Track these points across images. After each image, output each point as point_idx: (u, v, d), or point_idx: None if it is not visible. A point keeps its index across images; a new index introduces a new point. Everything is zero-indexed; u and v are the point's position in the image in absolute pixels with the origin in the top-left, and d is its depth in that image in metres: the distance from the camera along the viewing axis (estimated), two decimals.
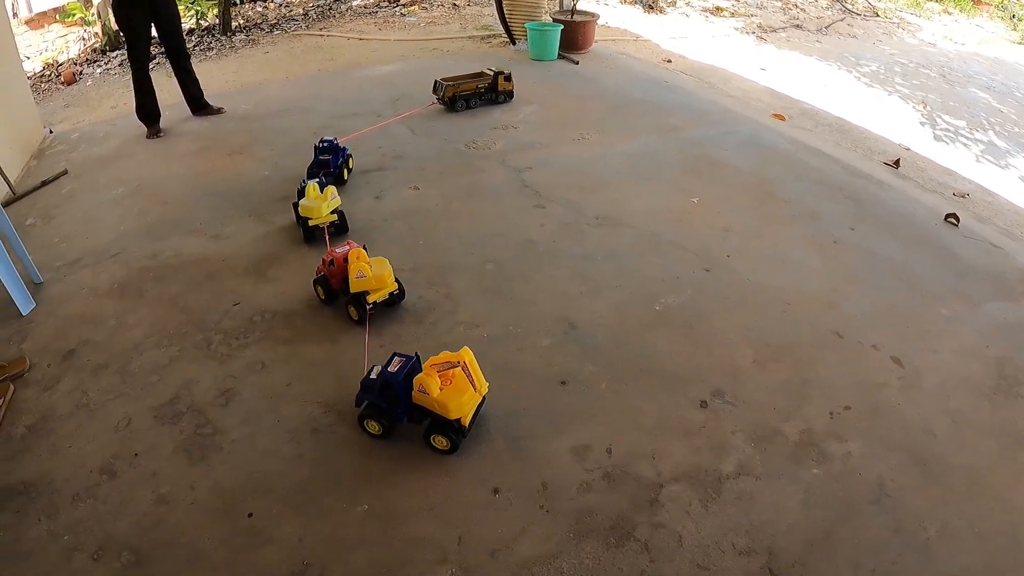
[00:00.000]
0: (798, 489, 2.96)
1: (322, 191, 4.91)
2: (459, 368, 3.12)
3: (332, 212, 4.93)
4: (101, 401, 3.51)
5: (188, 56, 7.41)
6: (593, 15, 9.97)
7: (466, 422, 3.13)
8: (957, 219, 5.30)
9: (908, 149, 7.62)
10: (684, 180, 5.74)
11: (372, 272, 3.95)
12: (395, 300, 4.05)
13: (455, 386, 3.12)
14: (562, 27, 9.42)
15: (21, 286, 4.31)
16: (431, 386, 3.06)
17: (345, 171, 5.80)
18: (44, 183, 6.23)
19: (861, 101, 9.28)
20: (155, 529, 2.84)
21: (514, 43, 10.09)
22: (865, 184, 5.80)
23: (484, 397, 3.28)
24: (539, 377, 3.59)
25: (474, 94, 7.41)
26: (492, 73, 7.44)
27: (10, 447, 3.28)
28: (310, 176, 5.41)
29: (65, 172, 6.43)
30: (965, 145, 8.19)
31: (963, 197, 6.41)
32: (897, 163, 6.69)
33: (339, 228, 4.98)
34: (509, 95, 7.57)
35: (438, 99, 7.42)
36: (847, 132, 7.80)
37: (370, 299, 3.96)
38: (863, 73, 10.63)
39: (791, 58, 11.12)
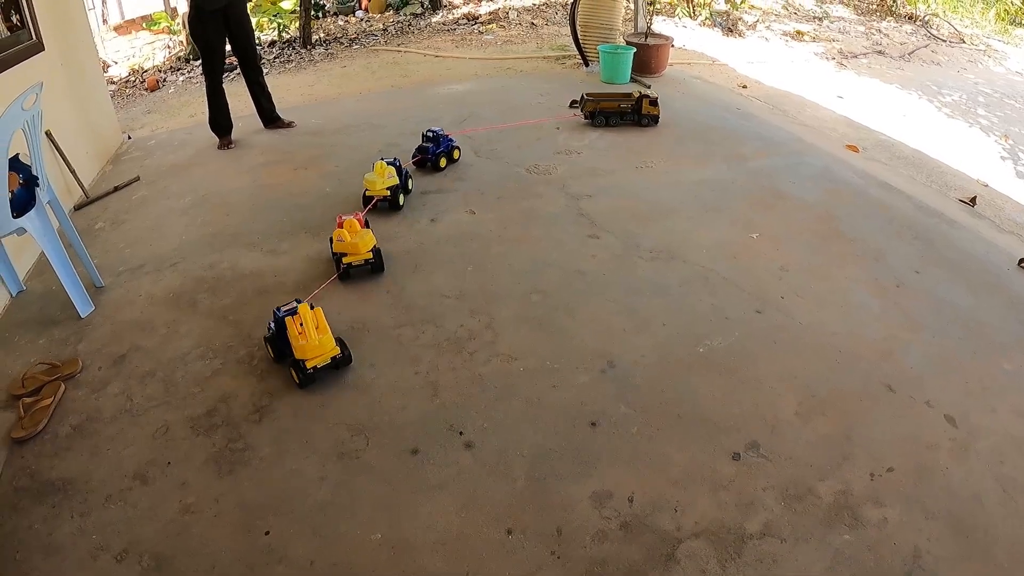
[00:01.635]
0: (825, 556, 2.81)
1: (399, 171, 5.70)
2: (312, 315, 3.79)
3: (387, 188, 5.52)
4: (144, 408, 3.59)
5: (261, 70, 7.50)
6: (667, 38, 9.85)
7: (310, 365, 3.63)
8: None
9: (986, 185, 7.36)
10: (747, 213, 5.60)
11: (349, 239, 4.57)
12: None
13: (305, 334, 3.66)
14: (635, 50, 9.34)
15: (81, 289, 4.42)
16: (291, 329, 3.72)
17: (443, 160, 6.41)
18: (116, 188, 6.38)
19: (940, 133, 9.01)
20: (178, 537, 2.89)
21: (587, 65, 10.01)
22: (936, 223, 5.59)
23: (342, 356, 3.79)
24: (570, 416, 3.51)
25: (616, 112, 7.41)
26: (638, 95, 7.39)
27: (55, 444, 3.39)
28: (413, 157, 6.34)
29: (137, 179, 6.59)
30: None
31: None
32: (973, 201, 6.45)
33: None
34: (654, 119, 7.47)
35: (580, 110, 7.53)
36: (923, 166, 7.57)
37: (344, 260, 4.65)
38: (944, 103, 10.34)
39: (871, 86, 10.88)
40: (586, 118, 7.47)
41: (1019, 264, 5.09)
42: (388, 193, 5.52)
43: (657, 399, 3.64)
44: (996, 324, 4.37)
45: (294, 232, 5.30)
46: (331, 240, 4.78)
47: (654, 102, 7.34)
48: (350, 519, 2.98)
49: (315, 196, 5.98)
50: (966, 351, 4.10)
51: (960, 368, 3.95)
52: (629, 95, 7.45)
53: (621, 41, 9.93)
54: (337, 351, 3.80)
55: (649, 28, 9.87)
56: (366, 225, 4.93)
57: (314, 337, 3.72)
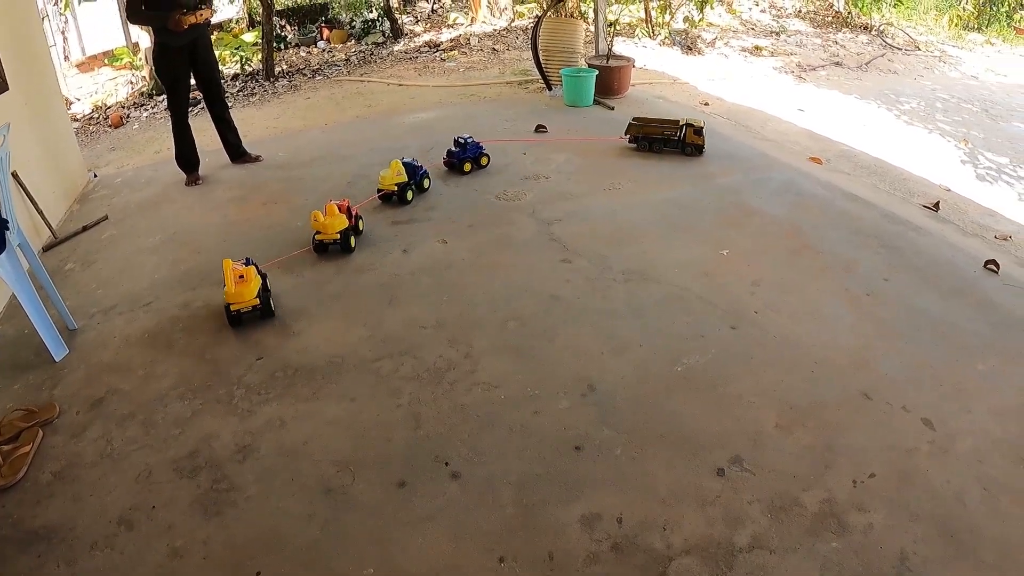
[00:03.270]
0: (814, 564, 2.84)
1: (410, 173, 6.35)
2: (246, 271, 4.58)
3: (395, 184, 6.24)
4: (125, 451, 3.54)
5: (226, 105, 7.51)
6: (628, 59, 9.93)
7: (233, 309, 4.52)
8: (997, 266, 5.14)
9: (948, 190, 7.46)
10: (716, 230, 5.65)
11: (323, 220, 5.33)
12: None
13: (240, 283, 4.48)
14: (597, 72, 9.40)
15: (54, 332, 4.37)
16: (226, 278, 4.51)
17: (468, 164, 6.97)
18: (84, 228, 6.34)
19: (901, 140, 9.16)
20: None
21: (550, 89, 10.07)
22: (902, 231, 5.66)
23: (262, 308, 4.62)
24: (554, 441, 3.51)
25: (659, 139, 7.31)
26: (683, 124, 7.23)
27: (36, 492, 3.33)
28: (444, 159, 7.02)
29: (105, 218, 6.55)
30: (1008, 183, 8.02)
31: (1006, 240, 6.23)
32: (937, 206, 6.53)
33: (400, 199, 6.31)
34: (698, 149, 7.21)
35: (624, 134, 7.52)
36: (886, 174, 7.67)
37: (316, 237, 5.43)
38: (903, 111, 10.51)
39: (830, 97, 11.03)
40: (630, 142, 7.43)
41: (985, 266, 5.16)
42: (395, 188, 6.20)
43: (639, 420, 3.66)
44: (967, 327, 4.43)
45: (266, 269, 5.23)
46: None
47: (699, 131, 7.12)
48: (341, 555, 2.97)
49: (285, 230, 5.97)
50: (939, 355, 4.16)
51: (934, 372, 4.01)
52: (675, 122, 7.27)
53: (583, 64, 10.01)
54: (256, 302, 4.55)
55: (610, 50, 9.93)
56: (354, 216, 5.68)
57: (231, 287, 4.47)
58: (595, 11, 10.12)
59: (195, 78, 7.16)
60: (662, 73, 12.05)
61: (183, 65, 6.91)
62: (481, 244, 5.56)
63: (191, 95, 7.27)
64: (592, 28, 10.56)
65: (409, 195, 6.26)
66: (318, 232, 5.40)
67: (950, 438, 3.52)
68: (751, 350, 4.20)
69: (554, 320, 4.55)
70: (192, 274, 5.34)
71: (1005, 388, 3.90)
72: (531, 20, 10.33)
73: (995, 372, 4.03)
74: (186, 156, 7.27)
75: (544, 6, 10.91)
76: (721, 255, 5.27)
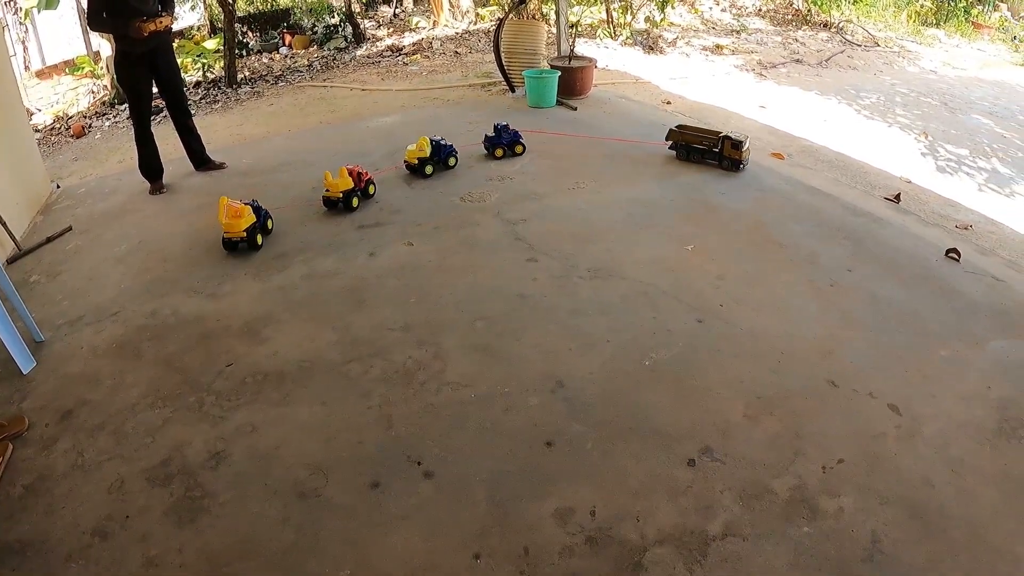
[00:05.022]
0: (787, 549, 2.87)
1: (435, 150, 6.99)
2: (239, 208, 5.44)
3: (416, 159, 6.87)
4: (96, 462, 3.49)
5: (190, 113, 7.44)
6: (591, 60, 9.95)
7: (225, 236, 5.50)
8: (958, 254, 5.21)
9: (909, 182, 7.54)
10: (680, 227, 5.68)
11: (331, 181, 6.08)
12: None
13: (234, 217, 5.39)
14: (559, 73, 9.42)
15: (21, 345, 4.31)
16: (219, 211, 5.47)
17: (499, 151, 7.43)
18: (49, 239, 6.23)
19: (861, 135, 9.26)
20: None
21: (513, 91, 10.09)
22: (864, 222, 5.72)
23: (249, 240, 5.51)
24: (525, 438, 3.52)
25: (698, 148, 7.04)
26: (721, 136, 6.89)
27: (8, 507, 3.27)
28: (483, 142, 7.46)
29: (69, 228, 6.44)
30: (968, 174, 8.13)
31: (966, 229, 6.33)
32: (898, 197, 6.61)
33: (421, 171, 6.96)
34: (734, 164, 6.81)
35: (665, 138, 7.32)
36: (847, 168, 7.74)
37: (325, 195, 6.20)
38: (863, 105, 10.61)
39: (791, 94, 11.12)
40: (670, 148, 7.23)
41: (946, 255, 5.22)
42: (416, 162, 6.84)
43: (609, 414, 3.67)
44: (930, 314, 4.49)
45: (233, 275, 5.25)
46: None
47: (737, 145, 6.74)
48: (317, 558, 2.96)
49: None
50: (903, 343, 4.21)
51: (899, 359, 4.06)
52: (715, 133, 6.96)
53: (545, 65, 10.03)
54: (244, 235, 5.46)
55: (572, 51, 9.94)
56: (364, 181, 6.40)
57: (222, 218, 5.43)
58: (557, 12, 10.15)
59: (157, 86, 7.07)
60: (624, 73, 12.11)
61: (144, 73, 6.83)
62: (447, 246, 5.54)
63: (153, 103, 7.20)
64: (554, 30, 10.57)
65: (428, 169, 6.92)
66: (327, 190, 6.11)
67: (916, 422, 3.57)
68: (717, 343, 4.23)
69: (521, 319, 4.55)
70: (159, 283, 5.27)
71: (968, 372, 3.96)
72: (493, 23, 10.35)
73: (958, 357, 4.09)
74: (149, 165, 7.18)
75: (506, 8, 10.88)
76: (686, 251, 5.29)
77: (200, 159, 7.62)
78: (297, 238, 5.74)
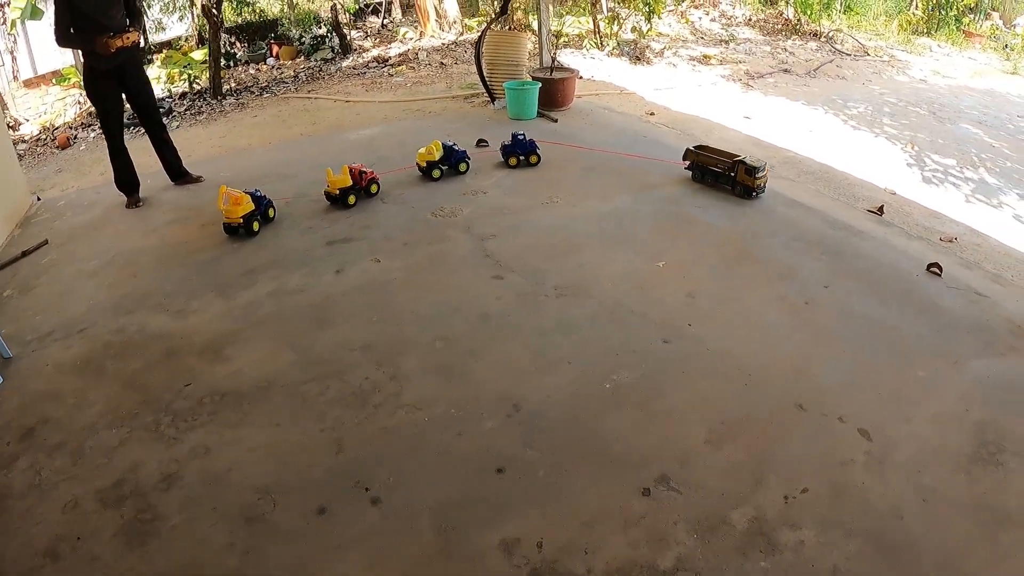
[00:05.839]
0: None
1: (446, 155, 7.13)
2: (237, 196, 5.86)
3: (425, 162, 7.01)
4: (53, 482, 3.43)
5: (164, 126, 7.35)
6: (573, 71, 9.86)
7: (224, 221, 5.95)
8: (940, 268, 5.08)
9: (894, 194, 7.40)
10: (653, 242, 5.55)
11: (332, 178, 6.40)
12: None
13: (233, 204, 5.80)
14: (540, 84, 9.32)
15: None
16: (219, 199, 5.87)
17: (512, 159, 7.39)
18: (24, 254, 6.13)
19: (847, 145, 9.11)
20: None
21: (494, 102, 9.94)
22: (844, 236, 5.59)
23: (246, 226, 5.96)
24: (476, 463, 3.40)
25: (711, 170, 6.67)
26: (733, 160, 6.47)
27: None
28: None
29: (46, 242, 6.35)
30: (955, 185, 7.98)
31: (951, 242, 6.18)
32: (881, 210, 6.47)
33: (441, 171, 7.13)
34: (747, 191, 6.38)
35: (683, 158, 7.03)
36: (830, 180, 7.60)
37: (326, 190, 6.56)
38: (850, 115, 10.48)
39: (777, 104, 11.00)
40: (687, 168, 6.92)
41: (928, 269, 5.09)
42: (425, 165, 6.96)
43: (564, 440, 3.54)
44: (907, 331, 4.36)
45: (201, 292, 5.16)
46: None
47: (752, 171, 6.28)
48: None
49: (222, 252, 5.83)
50: (878, 362, 4.07)
51: (873, 380, 3.92)
52: (731, 156, 6.56)
53: (528, 76, 9.87)
54: (240, 221, 5.88)
55: (554, 62, 9.81)
56: (366, 180, 6.65)
57: (221, 205, 5.88)
58: (539, 23, 10.01)
59: (129, 101, 7.01)
60: (609, 84, 12.01)
61: (112, 88, 6.74)
62: (415, 262, 5.43)
63: (125, 117, 7.10)
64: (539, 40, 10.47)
65: (436, 173, 7.05)
66: (328, 186, 6.43)
67: (887, 448, 3.42)
68: (684, 364, 4.08)
69: (483, 339, 4.42)
70: (129, 298, 5.18)
71: (945, 393, 3.82)
72: (480, 33, 10.24)
73: (935, 377, 3.95)
74: (124, 178, 7.09)
75: (490, 18, 10.78)
76: (657, 267, 5.16)
77: (176, 172, 7.51)
78: (269, 252, 5.67)
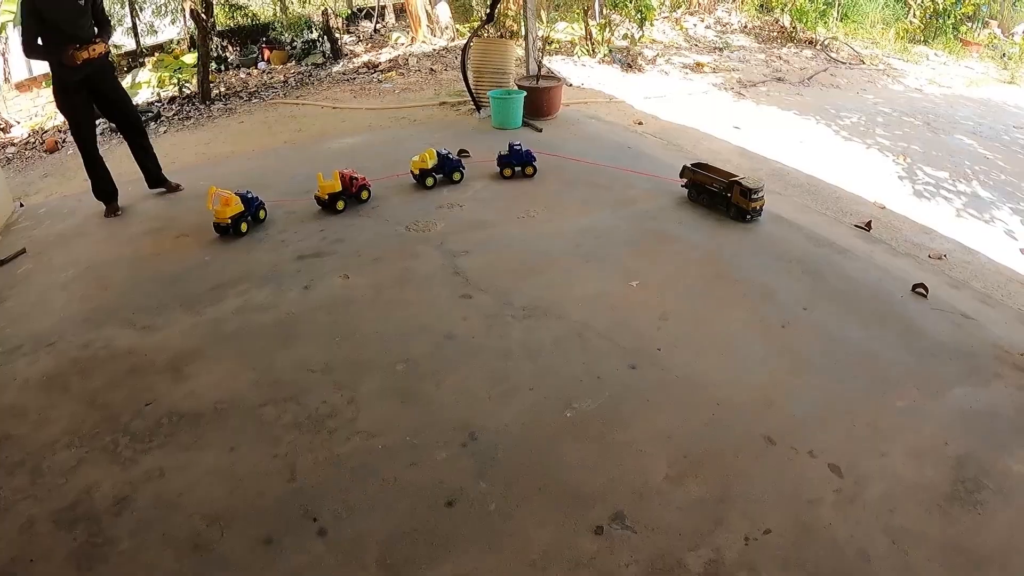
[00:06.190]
0: None
1: (440, 164, 7.05)
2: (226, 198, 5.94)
3: (418, 169, 7.01)
4: (12, 501, 3.36)
5: (144, 132, 7.22)
6: (559, 79, 9.76)
7: (214, 221, 6.02)
8: (926, 289, 4.93)
9: (883, 208, 7.26)
10: (628, 260, 5.39)
11: (322, 183, 6.41)
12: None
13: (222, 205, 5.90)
14: (525, 94, 9.16)
15: None
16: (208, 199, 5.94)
17: (507, 170, 7.27)
18: (1, 263, 6.04)
19: (838, 157, 8.98)
20: None
21: (479, 110, 9.81)
22: (827, 254, 5.44)
23: (234, 225, 6.02)
24: (427, 495, 3.27)
25: (707, 190, 6.34)
26: (728, 181, 6.14)
27: None
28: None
29: (23, 251, 6.24)
30: (946, 199, 7.83)
31: (939, 259, 6.05)
32: (868, 225, 6.33)
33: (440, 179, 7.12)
34: (741, 214, 6.06)
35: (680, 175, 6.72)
36: (818, 192, 7.46)
37: (316, 194, 6.54)
38: (842, 126, 10.36)
39: (768, 114, 10.87)
40: (683, 187, 6.61)
41: (913, 290, 4.94)
42: (418, 172, 6.95)
43: (519, 472, 3.39)
44: (888, 357, 4.20)
45: (169, 306, 5.04)
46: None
47: (747, 192, 5.95)
48: None
49: (193, 265, 5.71)
50: (855, 391, 3.91)
51: (848, 410, 3.75)
52: (728, 175, 6.26)
53: (514, 85, 9.71)
54: (229, 221, 5.94)
55: (540, 70, 9.65)
56: (356, 186, 6.66)
57: (210, 206, 5.95)
58: (525, 30, 9.85)
59: (104, 110, 6.94)
60: (599, 92, 11.88)
61: (83, 100, 6.62)
62: (383, 279, 5.28)
63: (104, 125, 6.97)
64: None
65: (429, 181, 7.02)
66: (318, 191, 6.43)
67: (859, 485, 3.26)
68: (649, 392, 3.93)
69: (444, 362, 4.27)
70: (99, 311, 5.07)
71: (924, 425, 3.66)
72: (466, 40, 10.14)
73: (915, 408, 3.79)
74: (102, 187, 6.97)
75: (479, 24, 10.65)
76: (630, 287, 5.01)
77: (155, 179, 7.35)
78: (239, 266, 5.56)
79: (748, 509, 3.14)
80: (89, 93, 6.64)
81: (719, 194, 6.19)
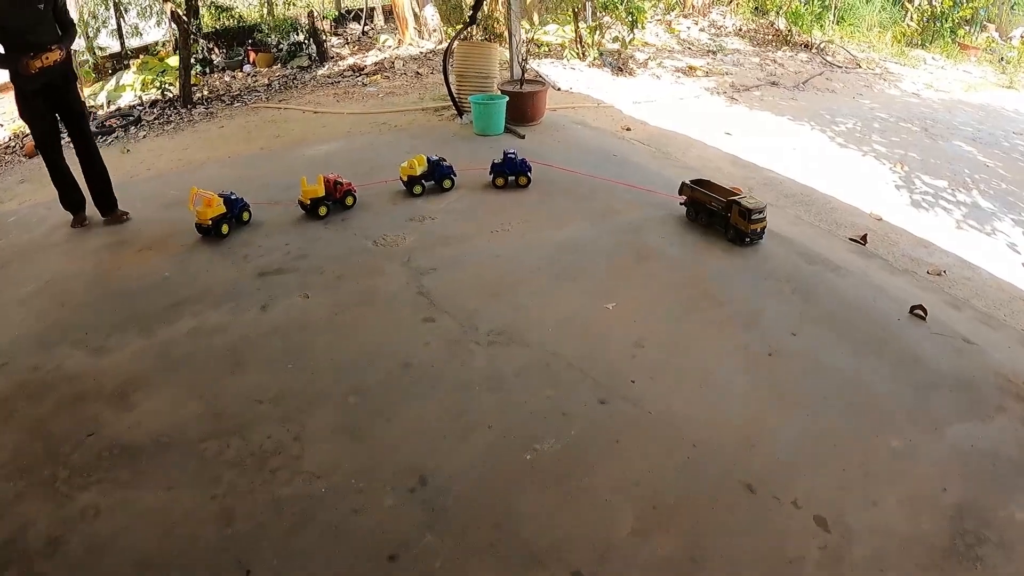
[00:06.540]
0: None
1: (431, 170, 6.84)
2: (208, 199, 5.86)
3: (407, 176, 6.77)
4: None
5: (94, 151, 6.70)
6: (544, 84, 9.45)
7: (196, 221, 5.92)
8: (925, 311, 4.64)
9: (880, 219, 6.97)
10: (608, 278, 5.09)
11: (306, 187, 6.24)
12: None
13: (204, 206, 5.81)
14: (507, 99, 8.87)
15: None
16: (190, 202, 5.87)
17: (499, 179, 6.96)
18: None
19: (833, 165, 8.71)
20: None
21: (461, 116, 9.53)
22: (819, 271, 5.16)
23: (213, 226, 5.90)
24: (368, 547, 3.01)
25: (706, 208, 5.90)
26: (727, 200, 5.69)
27: None
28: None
29: None
30: (946, 209, 7.55)
31: (939, 275, 5.77)
32: (864, 239, 6.06)
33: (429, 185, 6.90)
34: (740, 237, 5.59)
35: (679, 192, 6.26)
36: (812, 203, 7.16)
37: (300, 198, 6.36)
38: (838, 132, 10.11)
39: (761, 119, 10.63)
40: (682, 204, 6.19)
41: (911, 312, 4.65)
42: (407, 179, 6.73)
43: (470, 522, 3.11)
44: (883, 390, 3.91)
45: (123, 326, 4.78)
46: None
47: (746, 213, 5.49)
48: None
49: (151, 282, 5.43)
50: (846, 429, 3.61)
51: (838, 452, 3.46)
52: (729, 193, 5.84)
53: (497, 89, 9.43)
54: (209, 222, 5.86)
55: (524, 74, 9.35)
56: (341, 192, 6.43)
57: (191, 207, 5.92)
58: (509, 33, 9.55)
59: (63, 120, 6.55)
60: (587, 96, 11.62)
61: (41, 108, 6.32)
62: (344, 299, 4.99)
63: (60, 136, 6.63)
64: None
65: (418, 189, 6.81)
66: (301, 195, 6.29)
67: (847, 540, 2.97)
68: (619, 431, 3.61)
69: (400, 394, 3.97)
70: (54, 329, 4.81)
71: (921, 469, 3.37)
72: (447, 44, 9.89)
73: (910, 448, 3.49)
74: (67, 197, 6.66)
75: (460, 27, 10.37)
76: (606, 309, 4.70)
77: (106, 204, 6.79)
78: (199, 283, 5.31)
79: (722, 569, 2.84)
80: (45, 100, 6.32)
81: (718, 214, 5.76)
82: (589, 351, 4.25)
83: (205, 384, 4.17)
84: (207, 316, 4.85)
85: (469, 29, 10.28)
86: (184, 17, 12.01)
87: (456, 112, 9.71)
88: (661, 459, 3.41)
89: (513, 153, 6.90)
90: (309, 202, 6.24)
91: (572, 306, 4.75)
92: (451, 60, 9.69)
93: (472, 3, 9.84)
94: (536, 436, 3.58)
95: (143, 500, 3.32)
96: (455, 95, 9.68)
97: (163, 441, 3.70)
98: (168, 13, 13.15)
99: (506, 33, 11.18)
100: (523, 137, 8.68)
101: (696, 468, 3.36)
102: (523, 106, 9.15)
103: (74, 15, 13.64)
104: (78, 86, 6.77)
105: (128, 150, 9.18)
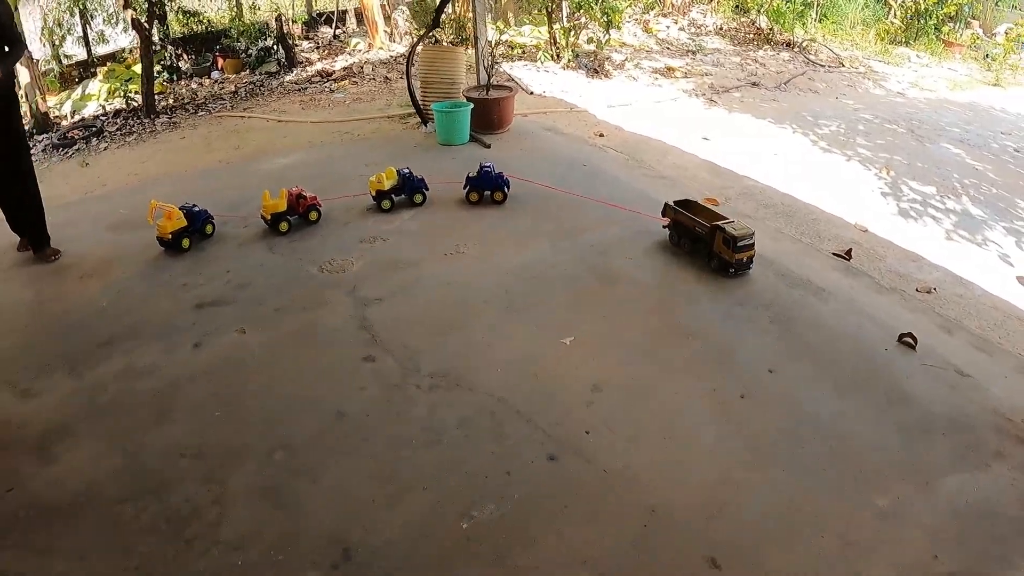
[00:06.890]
0: None
1: (401, 184, 6.54)
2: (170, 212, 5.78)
3: (375, 191, 6.49)
4: None
5: (23, 182, 6.00)
6: (511, 89, 9.05)
7: (158, 235, 5.82)
8: (915, 340, 4.29)
9: (865, 231, 6.66)
10: (566, 309, 4.73)
11: (269, 202, 6.02)
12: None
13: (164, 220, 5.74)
14: (472, 105, 8.52)
15: None
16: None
17: (473, 195, 6.63)
18: None
19: (815, 171, 8.41)
20: None
21: (425, 124, 9.21)
22: (801, 296, 4.83)
23: (174, 240, 5.77)
24: None
25: (688, 233, 5.40)
26: (711, 224, 5.16)
27: None
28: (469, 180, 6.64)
29: None
30: (934, 218, 7.23)
31: (928, 293, 5.49)
32: (849, 254, 5.75)
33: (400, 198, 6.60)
34: (724, 266, 5.09)
35: (662, 214, 5.73)
36: (794, 214, 6.83)
37: (261, 213, 6.13)
38: (821, 135, 9.85)
39: (741, 122, 10.36)
40: (664, 228, 5.70)
41: (900, 340, 4.32)
42: (375, 193, 6.46)
43: None
44: (868, 438, 3.55)
45: (54, 365, 4.46)
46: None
47: (731, 241, 4.97)
48: None
49: (87, 314, 5.10)
50: (826, 487, 3.25)
51: (816, 516, 3.09)
52: (715, 217, 5.32)
53: (463, 96, 9.06)
54: (170, 236, 5.74)
55: (490, 79, 8.96)
56: (304, 206, 6.19)
57: (151, 221, 5.82)
58: (475, 36, 9.18)
59: None
60: (560, 100, 11.32)
61: None
62: (282, 335, 4.65)
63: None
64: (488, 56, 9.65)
65: (386, 204, 6.54)
66: (263, 210, 6.10)
67: None
68: (568, 494, 3.24)
69: (328, 450, 3.61)
70: None
71: (911, 533, 3.01)
72: (409, 49, 9.55)
73: (898, 507, 3.14)
74: (11, 220, 6.13)
75: (423, 31, 10.00)
76: (562, 344, 4.34)
77: (37, 242, 6.15)
78: (135, 315, 4.98)
79: None
80: None
81: (702, 239, 5.26)
82: (540, 397, 3.90)
83: (128, 435, 3.85)
84: (139, 355, 4.52)
85: (435, 32, 9.88)
86: (145, 24, 11.60)
87: (421, 121, 9.37)
88: (614, 529, 3.05)
89: (490, 166, 6.60)
90: (270, 217, 6.07)
91: (525, 343, 4.40)
92: (415, 65, 9.37)
93: (437, 4, 9.41)
94: (475, 500, 3.23)
95: (55, 570, 3.04)
96: (419, 102, 9.35)
97: (80, 501, 3.41)
98: (129, 20, 12.74)
99: (467, 37, 10.86)
100: (488, 146, 8.32)
101: (654, 540, 2.99)
102: (489, 113, 8.80)
103: (38, 23, 13.32)
104: (19, 111, 6.15)
105: (87, 163, 8.94)
